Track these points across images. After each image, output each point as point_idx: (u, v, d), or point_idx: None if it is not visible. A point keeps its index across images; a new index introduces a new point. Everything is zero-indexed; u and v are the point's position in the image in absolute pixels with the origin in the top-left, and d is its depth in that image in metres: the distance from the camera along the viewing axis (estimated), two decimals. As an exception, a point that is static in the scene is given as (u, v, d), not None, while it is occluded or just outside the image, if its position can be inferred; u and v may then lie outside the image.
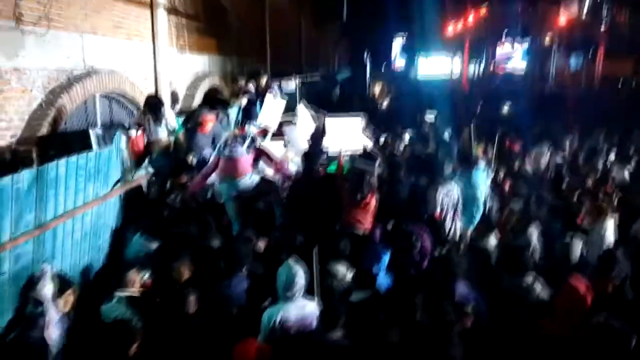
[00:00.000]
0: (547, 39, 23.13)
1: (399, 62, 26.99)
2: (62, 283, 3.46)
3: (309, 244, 4.01)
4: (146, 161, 5.83)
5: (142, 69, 7.01)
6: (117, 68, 6.27)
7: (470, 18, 24.38)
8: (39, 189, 3.44)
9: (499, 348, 3.23)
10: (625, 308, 3.51)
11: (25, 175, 3.29)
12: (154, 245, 4.36)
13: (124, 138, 5.25)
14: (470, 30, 24.92)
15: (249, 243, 4.32)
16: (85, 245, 4.23)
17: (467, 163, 5.66)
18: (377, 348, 3.15)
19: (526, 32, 24.03)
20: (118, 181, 4.96)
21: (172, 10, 7.61)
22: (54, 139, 4.95)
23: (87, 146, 5.12)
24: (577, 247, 4.32)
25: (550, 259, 4.58)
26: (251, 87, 8.33)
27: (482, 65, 26.11)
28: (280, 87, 8.73)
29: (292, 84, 8.54)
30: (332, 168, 6.13)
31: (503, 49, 25.59)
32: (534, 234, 4.79)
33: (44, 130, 4.91)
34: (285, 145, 7.33)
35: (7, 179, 3.14)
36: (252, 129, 6.90)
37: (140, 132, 5.89)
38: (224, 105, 7.68)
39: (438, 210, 5.09)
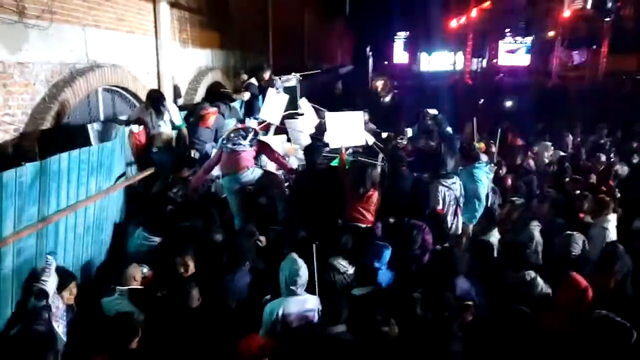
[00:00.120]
0: (551, 34, 23.02)
1: (401, 57, 26.95)
2: (64, 276, 3.49)
3: (311, 238, 4.02)
4: (148, 155, 5.85)
5: (145, 63, 7.00)
6: (119, 62, 6.26)
7: (474, 13, 24.28)
8: (42, 182, 3.45)
9: (500, 343, 3.24)
10: (626, 305, 3.51)
11: (28, 169, 3.29)
12: (156, 240, 4.38)
13: (126, 132, 5.25)
14: (473, 24, 24.82)
15: (251, 237, 4.34)
16: (88, 239, 4.24)
17: (469, 158, 5.65)
18: (379, 342, 3.16)
19: (529, 26, 23.94)
20: (121, 175, 4.98)
21: (174, 4, 7.59)
22: (57, 133, 4.95)
23: (89, 141, 5.15)
24: (579, 242, 4.31)
25: (551, 254, 4.58)
26: (254, 81, 8.34)
27: (485, 60, 26.04)
28: (279, 82, 8.73)
29: (292, 80, 8.54)
30: (335, 163, 6.13)
31: (506, 43, 25.51)
32: (536, 229, 4.79)
33: (47, 124, 4.92)
34: (288, 140, 7.34)
35: (10, 173, 3.14)
36: (252, 123, 6.91)
37: (142, 127, 5.91)
38: (226, 98, 7.67)
39: (440, 205, 5.09)
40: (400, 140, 8.46)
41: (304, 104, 8.09)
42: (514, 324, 3.30)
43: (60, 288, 3.40)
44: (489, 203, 5.56)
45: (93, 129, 5.31)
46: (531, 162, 7.92)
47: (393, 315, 3.32)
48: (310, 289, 3.55)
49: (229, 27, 10.00)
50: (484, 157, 6.46)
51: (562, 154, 8.47)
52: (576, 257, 4.18)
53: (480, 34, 24.93)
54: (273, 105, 7.87)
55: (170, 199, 5.21)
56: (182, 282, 3.67)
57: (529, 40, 24.56)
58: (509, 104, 14.41)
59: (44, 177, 3.46)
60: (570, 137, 9.65)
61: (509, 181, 6.72)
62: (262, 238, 4.59)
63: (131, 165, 5.67)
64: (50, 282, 3.27)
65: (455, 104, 13.00)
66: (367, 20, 20.17)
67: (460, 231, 5.28)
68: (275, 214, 5.25)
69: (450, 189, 5.15)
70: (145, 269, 4.03)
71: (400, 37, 26.84)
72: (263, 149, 5.57)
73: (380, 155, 6.88)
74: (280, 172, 5.84)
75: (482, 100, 14.79)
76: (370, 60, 17.19)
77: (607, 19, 19.30)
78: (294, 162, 6.51)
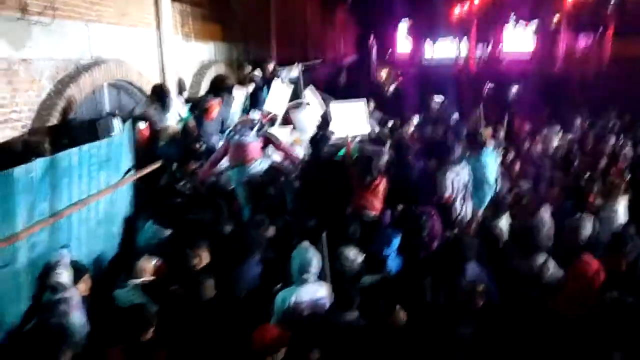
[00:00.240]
0: (555, 20, 22.74)
1: (405, 46, 26.78)
2: (78, 269, 3.52)
3: (320, 228, 4.03)
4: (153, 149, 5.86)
5: (148, 58, 7.00)
6: (123, 57, 6.27)
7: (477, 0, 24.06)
8: (53, 177, 3.48)
9: (510, 328, 3.24)
10: (638, 286, 3.50)
11: (38, 165, 3.32)
12: (166, 233, 4.40)
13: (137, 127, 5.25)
14: (477, 12, 24.58)
15: (260, 229, 4.36)
16: (99, 233, 4.28)
17: (476, 144, 5.62)
18: (390, 329, 3.17)
19: (534, 12, 23.65)
20: (130, 169, 5.00)
21: (175, -3, 7.58)
22: (64, 129, 4.98)
23: (97, 136, 5.16)
24: (588, 226, 4.29)
25: (561, 237, 4.56)
26: (257, 73, 8.31)
27: (490, 47, 25.81)
28: (285, 72, 8.69)
29: (295, 71, 8.50)
30: (341, 153, 6.12)
31: (511, 30, 25.26)
32: (546, 212, 4.77)
33: (54, 120, 4.94)
34: (293, 128, 7.31)
35: (21, 169, 3.17)
36: (256, 115, 6.89)
37: (147, 124, 5.91)
38: (230, 89, 7.65)
39: (448, 192, 5.08)
40: (405, 129, 8.41)
41: (309, 94, 8.05)
42: (525, 309, 3.31)
43: (75, 280, 3.44)
44: (497, 189, 5.53)
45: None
46: (539, 147, 7.86)
47: (402, 303, 3.32)
48: (320, 278, 3.57)
49: (231, 20, 9.96)
50: (490, 143, 6.42)
51: (569, 138, 8.40)
52: (587, 240, 4.17)
53: (485, 20, 24.69)
54: (278, 96, 7.84)
55: (178, 192, 5.23)
56: (195, 274, 3.69)
57: (533, 26, 24.28)
58: (515, 89, 14.27)
59: (54, 173, 3.49)
60: (579, 120, 9.55)
61: (517, 166, 6.68)
62: (271, 228, 4.60)
63: (137, 159, 5.69)
64: (65, 275, 3.30)
65: (460, 90, 12.90)
66: (370, 9, 20.02)
67: (469, 217, 5.27)
68: (284, 205, 5.27)
69: (459, 176, 5.13)
70: (157, 262, 4.05)
71: (404, 25, 26.65)
72: (269, 141, 5.57)
73: (387, 143, 6.85)
74: (287, 163, 5.84)
75: (488, 85, 14.63)
76: (374, 49, 17.09)
77: (612, 2, 19.03)
78: (300, 152, 6.50)
